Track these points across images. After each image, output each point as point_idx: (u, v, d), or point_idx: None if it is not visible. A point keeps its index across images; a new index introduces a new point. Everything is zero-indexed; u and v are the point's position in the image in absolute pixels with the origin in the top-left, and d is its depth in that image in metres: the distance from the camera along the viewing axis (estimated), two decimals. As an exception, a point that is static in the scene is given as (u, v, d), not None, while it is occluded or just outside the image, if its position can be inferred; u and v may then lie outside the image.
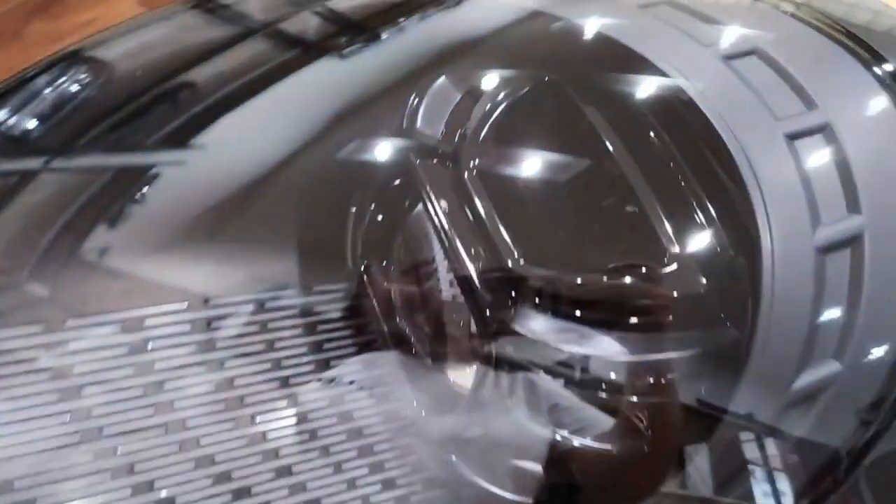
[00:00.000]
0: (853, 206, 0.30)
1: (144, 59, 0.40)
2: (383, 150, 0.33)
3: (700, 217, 0.30)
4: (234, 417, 0.31)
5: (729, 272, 0.29)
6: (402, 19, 0.39)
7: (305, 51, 0.39)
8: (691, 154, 0.31)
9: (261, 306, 0.32)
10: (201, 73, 0.39)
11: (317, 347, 0.32)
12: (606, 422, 0.29)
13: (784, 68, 0.32)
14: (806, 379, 0.28)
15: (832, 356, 0.29)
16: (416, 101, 0.34)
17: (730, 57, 0.32)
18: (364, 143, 0.33)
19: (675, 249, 0.29)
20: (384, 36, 0.39)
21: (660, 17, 0.34)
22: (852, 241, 0.29)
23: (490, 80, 0.34)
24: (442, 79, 0.34)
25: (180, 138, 0.36)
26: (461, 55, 0.36)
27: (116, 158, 0.36)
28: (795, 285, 0.29)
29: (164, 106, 0.38)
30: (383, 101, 0.35)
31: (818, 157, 0.31)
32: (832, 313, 0.29)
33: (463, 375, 0.31)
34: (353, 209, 0.33)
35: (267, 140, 0.36)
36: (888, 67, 0.33)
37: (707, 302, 0.29)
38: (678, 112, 0.31)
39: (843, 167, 0.30)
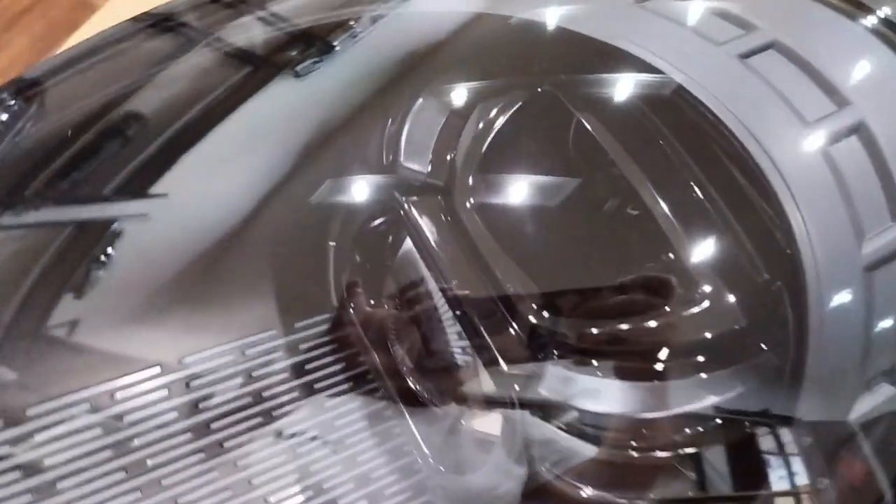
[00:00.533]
0: (894, 213, 0.27)
1: (83, 84, 0.37)
2: (364, 189, 0.30)
3: (733, 243, 0.26)
4: (228, 485, 0.28)
5: (770, 302, 0.26)
6: (352, 22, 0.35)
7: (257, 69, 0.36)
8: (717, 173, 0.27)
9: (242, 354, 0.29)
10: (148, 102, 0.36)
11: (308, 388, 0.29)
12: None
13: (807, 62, 0.28)
14: (862, 407, 0.26)
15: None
16: (394, 127, 0.30)
17: (746, 55, 0.29)
18: (340, 181, 0.30)
19: (707, 286, 0.26)
20: (337, 45, 0.35)
21: (663, 13, 0.30)
22: None
23: (475, 96, 0.31)
24: (421, 101, 0.30)
25: (139, 185, 0.33)
26: (431, 66, 0.33)
27: (73, 212, 0.33)
28: (845, 309, 0.26)
29: (113, 144, 0.35)
30: (356, 128, 0.32)
31: (856, 162, 0.27)
32: (886, 333, 0.26)
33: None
34: (333, 245, 0.30)
35: (234, 184, 0.33)
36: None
37: (747, 338, 0.26)
38: (697, 126, 0.28)
39: (883, 170, 0.27)
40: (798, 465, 0.26)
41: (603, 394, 0.25)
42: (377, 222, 0.29)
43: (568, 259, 0.27)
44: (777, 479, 0.26)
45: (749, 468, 0.26)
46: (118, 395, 0.28)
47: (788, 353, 0.25)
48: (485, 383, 0.27)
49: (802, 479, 0.26)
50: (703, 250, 0.27)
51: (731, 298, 0.26)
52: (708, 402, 0.25)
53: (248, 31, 0.38)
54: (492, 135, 0.28)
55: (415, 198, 0.28)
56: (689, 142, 0.27)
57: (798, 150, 0.27)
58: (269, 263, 0.31)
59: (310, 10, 0.38)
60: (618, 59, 0.29)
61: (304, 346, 0.29)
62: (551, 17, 0.31)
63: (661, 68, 0.28)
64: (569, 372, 0.26)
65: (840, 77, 0.28)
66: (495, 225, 0.27)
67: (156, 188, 0.32)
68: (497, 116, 0.29)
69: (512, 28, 0.32)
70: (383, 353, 0.29)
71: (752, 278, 0.26)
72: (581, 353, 0.26)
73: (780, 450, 0.26)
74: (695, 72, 0.28)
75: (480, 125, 0.29)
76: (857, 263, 0.26)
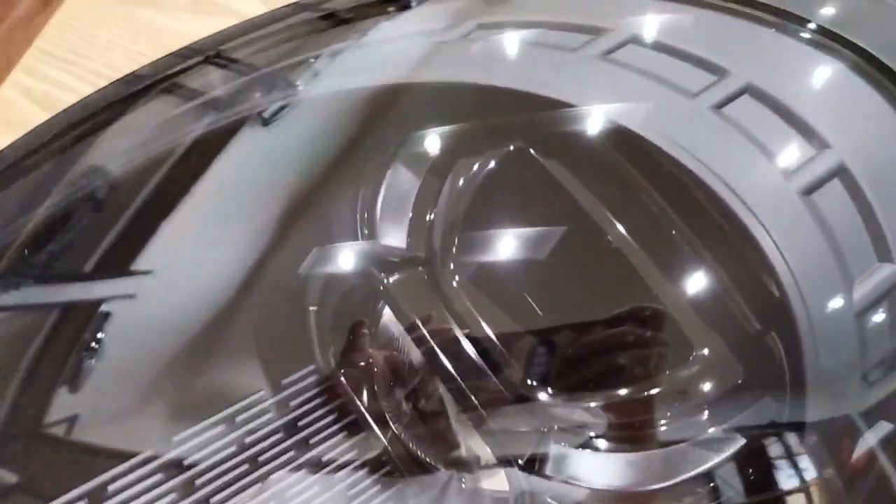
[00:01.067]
0: (884, 254, 0.26)
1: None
2: (342, 263, 0.29)
3: (724, 300, 0.26)
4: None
5: (766, 353, 0.26)
6: (312, 60, 0.34)
7: (221, 116, 0.35)
8: (702, 231, 0.27)
9: (232, 422, 0.29)
10: (114, 157, 0.35)
11: (304, 444, 0.28)
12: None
13: (783, 105, 0.28)
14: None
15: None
16: (368, 194, 0.30)
17: (721, 104, 0.28)
18: (320, 253, 0.30)
19: (704, 349, 0.25)
20: (300, 86, 0.34)
21: (628, 64, 0.29)
22: (889, 293, 0.26)
23: (448, 159, 0.30)
24: (393, 168, 0.30)
25: (122, 258, 0.33)
26: (398, 114, 0.32)
27: (58, 293, 0.33)
28: (840, 350, 0.26)
29: (85, 209, 0.34)
30: (331, 192, 0.31)
31: (839, 205, 0.27)
32: (881, 366, 0.26)
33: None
34: (314, 310, 0.30)
35: (217, 258, 0.32)
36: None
37: (746, 389, 0.26)
38: (679, 184, 0.27)
39: (866, 211, 0.26)
40: (805, 461, 0.26)
41: (603, 469, 0.25)
42: (357, 293, 0.29)
43: (559, 323, 0.27)
44: (786, 479, 0.25)
45: (759, 475, 0.26)
46: (112, 488, 0.27)
47: (786, 395, 0.25)
48: (479, 447, 0.26)
49: (810, 473, 0.26)
50: (695, 306, 0.26)
51: (730, 355, 0.25)
52: (712, 462, 0.25)
53: (206, 77, 0.37)
54: (469, 200, 0.28)
55: (395, 276, 0.27)
56: (673, 200, 0.27)
57: (781, 202, 0.26)
58: (253, 330, 0.31)
59: (266, 54, 0.38)
60: (591, 121, 0.28)
61: (293, 403, 0.29)
62: (517, 79, 0.30)
63: (635, 129, 0.27)
64: (566, 449, 0.25)
65: (817, 117, 0.27)
66: (480, 299, 0.27)
67: (139, 262, 0.32)
68: (473, 180, 0.28)
69: (474, 88, 0.31)
70: (376, 410, 0.28)
71: (746, 332, 0.26)
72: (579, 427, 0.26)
73: (788, 453, 0.26)
74: (671, 131, 0.27)
75: (457, 190, 0.28)
76: (849, 309, 0.25)
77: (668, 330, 0.26)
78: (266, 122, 0.35)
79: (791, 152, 0.27)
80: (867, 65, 0.28)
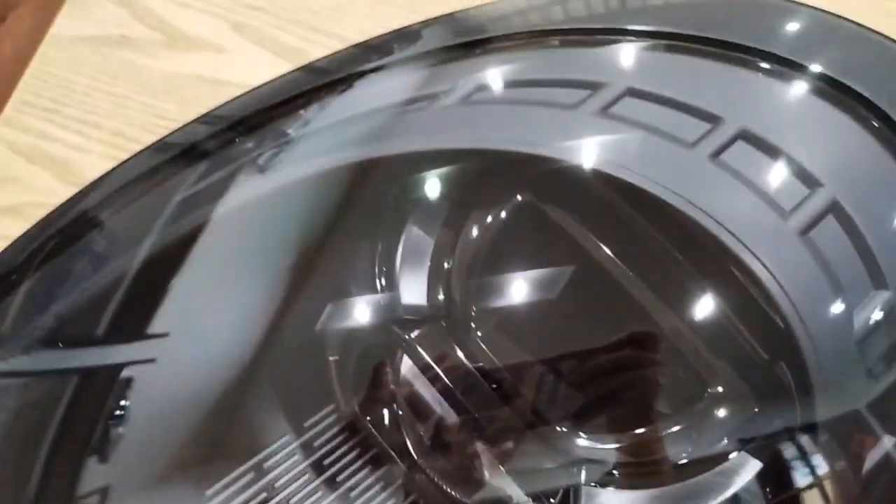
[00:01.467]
0: (879, 282, 0.28)
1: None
2: (363, 320, 0.30)
3: (735, 337, 0.27)
4: None
5: (777, 383, 0.27)
6: (301, 111, 0.34)
7: (216, 166, 0.35)
8: (711, 277, 0.28)
9: (260, 469, 0.30)
10: (110, 212, 0.35)
11: (332, 482, 0.29)
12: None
13: (776, 147, 0.29)
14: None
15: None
16: (387, 247, 0.30)
17: (717, 153, 0.29)
18: (337, 310, 0.31)
19: (720, 386, 0.27)
20: (292, 133, 0.34)
21: (627, 118, 0.30)
22: (887, 319, 0.27)
23: (463, 211, 0.31)
24: (408, 229, 0.31)
25: (136, 320, 0.33)
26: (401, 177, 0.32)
27: (73, 358, 0.33)
28: (846, 374, 0.27)
29: (84, 266, 0.34)
30: (342, 247, 0.32)
31: (834, 241, 0.28)
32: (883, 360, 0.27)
33: None
34: (335, 360, 0.30)
35: (232, 314, 0.33)
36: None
37: (761, 415, 0.27)
38: (681, 227, 0.29)
39: (861, 244, 0.28)
40: (817, 458, 0.27)
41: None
42: (378, 346, 0.30)
43: (577, 366, 0.28)
44: (801, 478, 0.27)
45: (777, 479, 0.27)
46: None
47: (797, 411, 0.26)
48: (506, 484, 0.27)
49: (822, 468, 0.27)
50: (708, 344, 0.27)
51: (745, 387, 0.27)
52: (735, 487, 0.26)
53: (196, 133, 0.37)
54: (484, 252, 0.28)
55: (416, 333, 0.28)
56: (679, 247, 0.28)
57: (781, 243, 0.28)
58: (274, 382, 0.31)
59: (254, 105, 0.38)
60: (595, 176, 0.29)
61: (318, 443, 0.30)
62: (522, 141, 0.30)
63: (637, 183, 0.28)
64: (596, 489, 0.26)
65: (808, 157, 0.29)
66: (502, 346, 0.28)
67: (154, 323, 0.32)
68: (486, 232, 0.29)
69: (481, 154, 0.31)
70: (400, 447, 0.29)
71: (757, 365, 0.27)
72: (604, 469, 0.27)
73: (801, 452, 0.27)
74: (672, 182, 0.28)
75: (472, 242, 0.29)
76: (851, 338, 0.27)
77: (685, 368, 0.27)
78: (262, 169, 0.35)
79: (786, 194, 0.28)
80: (854, 102, 0.29)
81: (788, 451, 0.27)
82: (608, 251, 0.27)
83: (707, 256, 0.28)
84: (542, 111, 0.30)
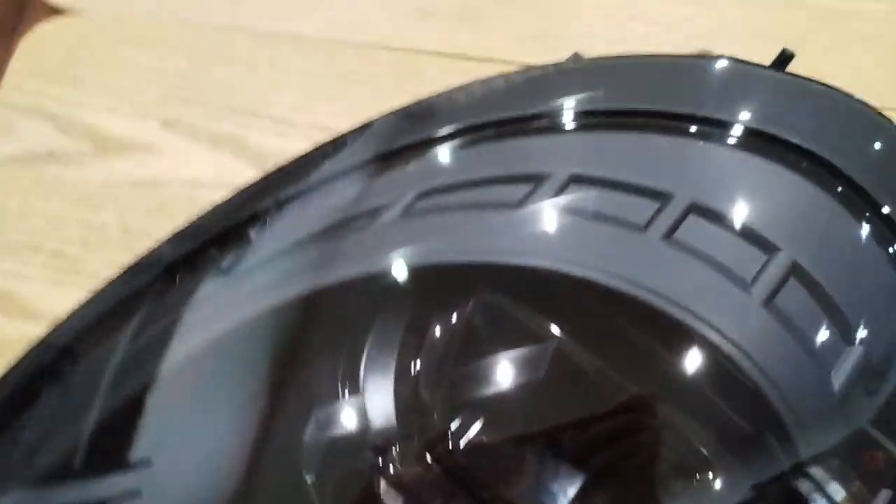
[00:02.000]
0: (848, 337, 0.27)
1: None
2: (335, 449, 0.29)
3: (716, 415, 0.27)
4: None
5: (766, 455, 0.27)
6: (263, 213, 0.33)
7: (173, 273, 0.34)
8: (684, 362, 0.27)
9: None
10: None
11: None
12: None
13: (727, 217, 0.28)
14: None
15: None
16: (347, 374, 0.29)
17: (669, 232, 0.28)
18: (307, 438, 0.29)
19: (709, 468, 0.26)
20: (252, 234, 0.33)
21: (573, 207, 0.29)
22: (864, 374, 0.26)
23: (425, 316, 0.30)
24: (369, 347, 0.29)
25: (112, 447, 0.31)
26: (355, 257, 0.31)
27: (51, 496, 0.32)
28: (827, 433, 0.27)
29: (49, 390, 0.33)
30: (310, 363, 0.31)
31: (800, 303, 0.27)
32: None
33: None
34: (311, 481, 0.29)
35: (210, 429, 0.31)
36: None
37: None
38: (645, 314, 0.28)
39: (826, 302, 0.27)
40: (833, 485, 0.26)
41: None
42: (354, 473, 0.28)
43: (569, 462, 0.27)
44: None
45: None
46: None
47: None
48: None
49: (839, 493, 0.26)
50: (690, 426, 0.27)
51: (735, 462, 0.26)
52: None
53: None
54: (449, 364, 0.27)
55: (392, 453, 0.27)
56: (646, 334, 0.27)
57: (747, 316, 0.27)
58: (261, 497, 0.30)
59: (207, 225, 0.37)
60: (549, 274, 0.28)
61: None
62: (470, 251, 0.30)
63: (595, 278, 0.27)
64: None
65: (760, 221, 0.28)
66: (485, 457, 0.27)
67: (133, 450, 0.31)
68: (447, 343, 0.28)
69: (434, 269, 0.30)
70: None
71: (744, 439, 0.26)
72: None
73: (817, 486, 0.26)
74: (628, 271, 0.27)
75: (434, 356, 0.28)
76: (834, 399, 0.26)
77: (672, 454, 0.26)
78: (225, 272, 0.34)
79: (745, 263, 0.27)
80: (792, 154, 0.29)
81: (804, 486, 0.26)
82: (577, 346, 0.27)
83: (675, 341, 0.27)
84: (486, 213, 0.29)
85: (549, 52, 0.38)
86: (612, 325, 0.27)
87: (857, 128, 0.30)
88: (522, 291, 0.28)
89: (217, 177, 0.48)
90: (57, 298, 0.43)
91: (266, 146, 0.49)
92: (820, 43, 0.50)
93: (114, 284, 0.37)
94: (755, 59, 0.32)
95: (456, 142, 0.31)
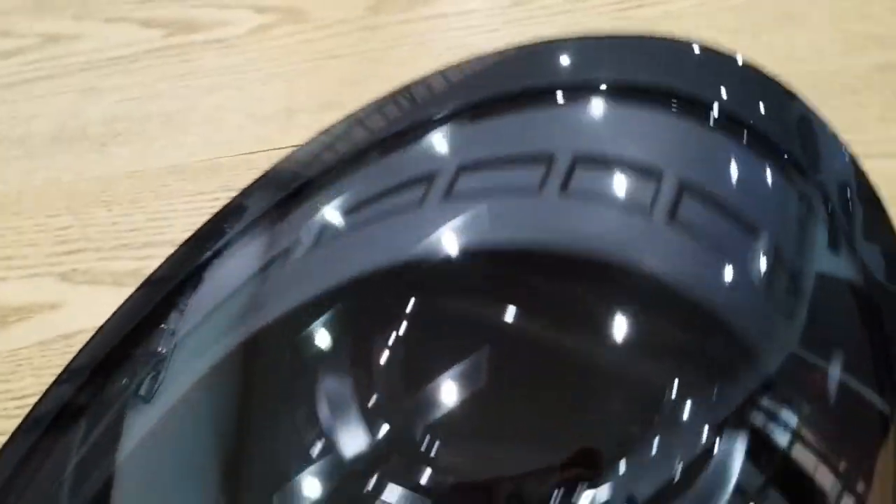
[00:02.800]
0: (753, 233, 0.29)
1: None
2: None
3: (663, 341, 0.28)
4: None
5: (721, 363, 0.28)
6: (163, 326, 0.33)
7: (97, 419, 0.33)
8: (623, 296, 0.28)
9: None
10: None
11: None
12: None
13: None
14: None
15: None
16: (306, 416, 0.29)
17: (563, 186, 0.29)
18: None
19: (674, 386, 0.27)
20: (161, 349, 0.33)
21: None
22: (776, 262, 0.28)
23: (359, 346, 0.30)
24: (321, 383, 0.29)
25: None
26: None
27: None
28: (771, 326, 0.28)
29: None
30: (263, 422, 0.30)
31: (702, 215, 0.29)
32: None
33: None
34: None
35: None
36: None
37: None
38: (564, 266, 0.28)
39: (724, 206, 0.29)
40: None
41: None
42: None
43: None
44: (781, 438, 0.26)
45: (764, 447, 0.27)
46: None
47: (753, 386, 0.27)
48: None
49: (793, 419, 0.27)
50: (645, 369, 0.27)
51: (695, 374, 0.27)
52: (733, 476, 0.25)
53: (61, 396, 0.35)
54: (406, 377, 0.27)
55: (371, 483, 0.27)
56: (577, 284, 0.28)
57: (656, 239, 0.28)
58: None
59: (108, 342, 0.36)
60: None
61: None
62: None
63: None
64: None
65: (643, 151, 0.30)
66: (468, 467, 0.27)
67: None
68: (397, 358, 0.28)
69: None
70: None
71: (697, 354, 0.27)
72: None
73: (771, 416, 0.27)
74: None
75: (388, 374, 0.28)
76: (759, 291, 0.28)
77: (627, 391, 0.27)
78: (147, 399, 0.33)
79: (640, 194, 0.29)
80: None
81: (758, 418, 0.27)
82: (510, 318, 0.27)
83: (606, 284, 0.28)
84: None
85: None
86: (536, 288, 0.28)
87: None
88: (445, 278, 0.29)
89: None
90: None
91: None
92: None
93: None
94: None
95: (342, 171, 0.33)
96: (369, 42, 0.60)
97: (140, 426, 0.33)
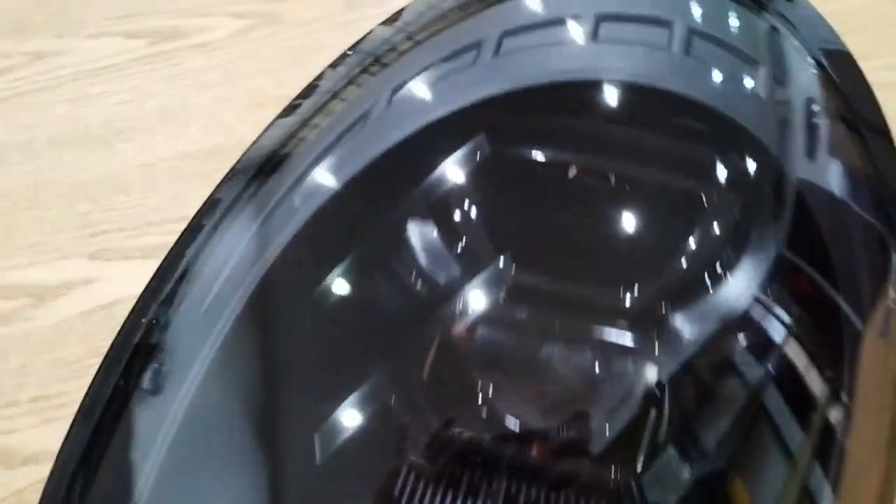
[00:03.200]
0: (754, 66, 0.36)
1: None
2: None
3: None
4: None
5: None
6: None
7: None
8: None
9: None
10: None
11: None
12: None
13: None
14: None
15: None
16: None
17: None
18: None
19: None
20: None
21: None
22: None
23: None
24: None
25: None
26: None
27: None
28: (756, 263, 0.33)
29: None
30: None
31: (713, 53, 0.35)
32: None
33: None
34: None
35: None
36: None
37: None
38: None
39: (731, 46, 0.36)
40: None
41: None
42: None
43: None
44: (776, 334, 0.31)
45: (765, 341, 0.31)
46: None
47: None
48: None
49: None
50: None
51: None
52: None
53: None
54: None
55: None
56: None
57: (677, 71, 0.35)
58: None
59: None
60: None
61: None
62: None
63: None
64: None
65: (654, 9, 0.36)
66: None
67: None
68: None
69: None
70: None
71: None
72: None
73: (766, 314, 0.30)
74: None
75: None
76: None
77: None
78: (154, 392, 0.33)
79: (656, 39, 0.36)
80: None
81: (757, 312, 0.30)
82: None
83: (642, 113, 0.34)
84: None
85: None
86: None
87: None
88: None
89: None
90: (51, 435, 0.42)
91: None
92: None
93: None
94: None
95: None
96: (348, 36, 0.65)
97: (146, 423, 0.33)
